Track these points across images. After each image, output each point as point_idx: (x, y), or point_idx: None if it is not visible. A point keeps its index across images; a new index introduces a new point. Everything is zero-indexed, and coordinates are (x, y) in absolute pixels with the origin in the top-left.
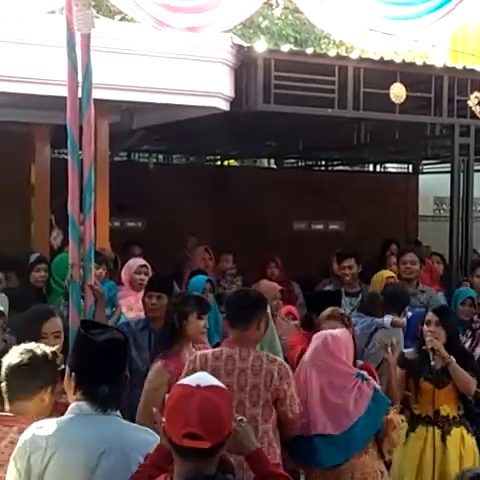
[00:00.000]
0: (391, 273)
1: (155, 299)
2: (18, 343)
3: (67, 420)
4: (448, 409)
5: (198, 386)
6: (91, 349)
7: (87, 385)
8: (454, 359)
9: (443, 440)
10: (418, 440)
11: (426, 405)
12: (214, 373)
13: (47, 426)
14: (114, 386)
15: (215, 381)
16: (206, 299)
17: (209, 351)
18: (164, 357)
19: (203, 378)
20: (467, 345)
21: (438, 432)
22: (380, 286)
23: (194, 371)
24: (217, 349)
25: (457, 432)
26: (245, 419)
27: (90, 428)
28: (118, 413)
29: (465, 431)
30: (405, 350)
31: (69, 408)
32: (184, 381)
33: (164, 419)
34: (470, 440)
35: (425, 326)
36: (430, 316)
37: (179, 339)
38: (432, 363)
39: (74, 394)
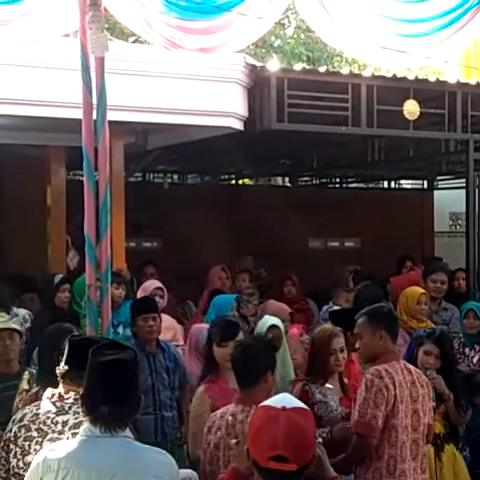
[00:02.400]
0: (423, 290)
1: (151, 321)
2: (39, 356)
3: (79, 442)
4: (440, 427)
5: (284, 408)
6: (92, 370)
7: (89, 406)
8: (452, 397)
9: (438, 457)
10: None
11: None
12: (401, 385)
13: (59, 448)
14: (115, 407)
15: (299, 402)
16: (234, 324)
17: (382, 366)
18: (207, 381)
19: (287, 400)
20: (476, 359)
21: (432, 450)
22: (414, 302)
23: (386, 387)
24: (387, 364)
25: (449, 449)
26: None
27: (101, 450)
28: (128, 434)
29: (455, 448)
30: None
31: (81, 430)
32: (268, 403)
33: (244, 440)
34: (459, 457)
35: (423, 355)
36: (430, 347)
37: (214, 364)
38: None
39: (84, 416)
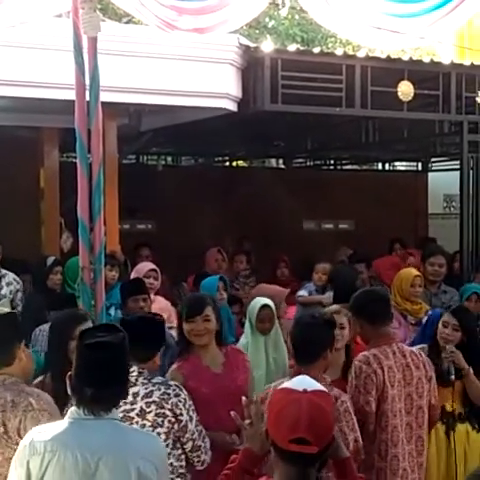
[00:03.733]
0: (417, 272)
1: (142, 302)
2: (49, 343)
3: (65, 425)
4: (455, 405)
5: (305, 391)
6: (78, 352)
7: (74, 388)
8: (471, 370)
9: (447, 435)
10: None
11: None
12: (391, 370)
13: (46, 431)
14: (99, 389)
15: (319, 385)
16: (201, 300)
17: (371, 352)
18: (180, 359)
19: (307, 382)
20: None
21: (442, 427)
22: (408, 284)
23: (374, 372)
24: (376, 349)
25: (462, 428)
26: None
27: (88, 433)
28: (116, 416)
29: (470, 428)
30: (416, 347)
31: (68, 412)
32: (288, 385)
33: (265, 423)
34: (475, 437)
35: (441, 326)
36: (448, 318)
37: (186, 341)
38: (445, 365)
39: (71, 397)
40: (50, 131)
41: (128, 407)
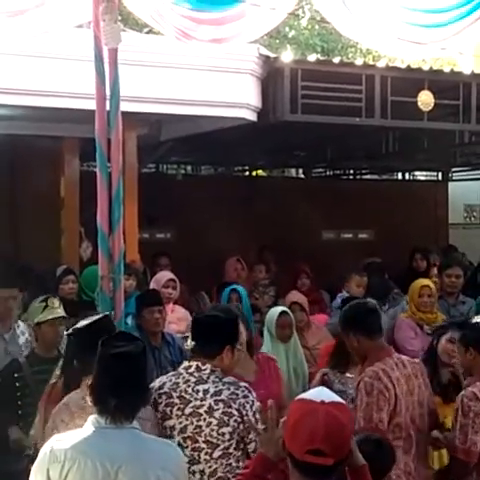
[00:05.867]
0: (426, 282)
1: (157, 313)
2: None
3: (85, 433)
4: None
5: (322, 402)
6: (100, 362)
7: (97, 397)
8: None
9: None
10: None
11: None
12: (399, 382)
13: (66, 439)
14: (123, 399)
15: (337, 397)
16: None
17: (377, 366)
18: None
19: (325, 394)
20: None
21: (446, 452)
22: (416, 294)
23: (386, 387)
24: (381, 363)
25: None
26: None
27: (108, 441)
28: (135, 425)
29: None
30: None
31: (88, 420)
32: (305, 396)
33: (272, 427)
34: None
35: (446, 342)
36: (456, 335)
37: None
38: (442, 378)
39: (93, 406)
40: (71, 141)
41: (198, 403)
